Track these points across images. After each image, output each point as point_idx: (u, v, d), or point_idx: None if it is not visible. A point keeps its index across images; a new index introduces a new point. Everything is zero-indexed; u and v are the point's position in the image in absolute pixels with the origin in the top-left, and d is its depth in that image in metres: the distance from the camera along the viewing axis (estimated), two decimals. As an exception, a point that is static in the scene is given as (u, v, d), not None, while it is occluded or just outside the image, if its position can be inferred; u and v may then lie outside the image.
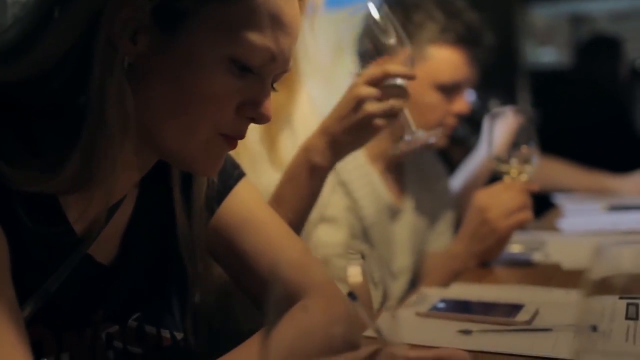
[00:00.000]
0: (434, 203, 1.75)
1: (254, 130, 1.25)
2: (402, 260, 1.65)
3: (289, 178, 1.11)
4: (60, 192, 0.74)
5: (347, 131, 1.06)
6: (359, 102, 1.04)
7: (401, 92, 1.06)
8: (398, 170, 1.69)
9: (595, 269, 0.57)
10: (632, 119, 3.41)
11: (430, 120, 1.58)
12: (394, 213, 1.63)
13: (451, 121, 1.62)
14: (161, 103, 0.74)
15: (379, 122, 1.04)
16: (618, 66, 3.44)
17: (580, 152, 2.49)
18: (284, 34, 0.75)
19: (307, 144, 1.10)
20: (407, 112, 1.08)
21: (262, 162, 1.24)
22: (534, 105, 3.57)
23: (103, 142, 0.71)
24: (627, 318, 0.77)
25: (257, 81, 0.76)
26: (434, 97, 1.57)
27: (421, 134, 1.10)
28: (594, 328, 0.60)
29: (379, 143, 1.62)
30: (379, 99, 1.04)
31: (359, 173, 1.57)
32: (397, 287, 1.61)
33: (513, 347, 0.92)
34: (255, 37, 0.73)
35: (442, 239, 1.74)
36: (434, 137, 1.11)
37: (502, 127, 1.47)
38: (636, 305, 0.80)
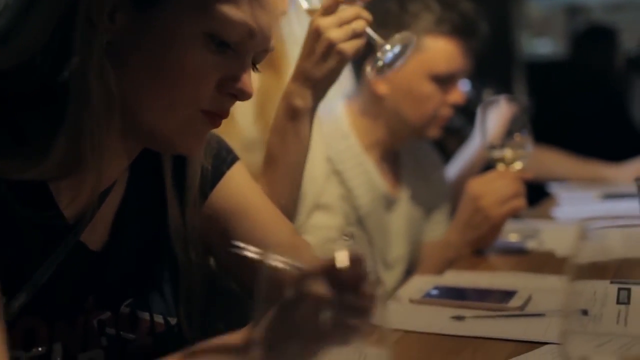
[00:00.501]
0: (430, 193, 1.75)
1: (247, 113, 1.27)
2: (398, 250, 1.65)
3: (275, 129, 1.10)
4: (48, 179, 0.74)
5: (317, 65, 1.06)
6: (319, 33, 1.04)
7: (360, 13, 1.05)
8: (393, 159, 1.69)
9: (581, 253, 0.57)
10: (627, 109, 3.42)
11: (426, 111, 1.58)
12: (389, 203, 1.63)
13: (446, 112, 1.62)
14: (141, 81, 0.74)
15: (343, 46, 1.04)
16: (613, 56, 3.44)
17: (575, 141, 2.49)
18: (261, 9, 0.76)
19: (284, 91, 1.10)
20: (370, 31, 1.07)
21: (257, 145, 1.24)
22: (530, 96, 3.57)
23: (88, 123, 0.71)
24: (618, 302, 0.77)
25: (235, 58, 0.77)
26: (429, 88, 1.57)
27: (390, 54, 1.09)
28: (585, 312, 0.60)
29: (374, 133, 1.63)
30: (340, 26, 1.04)
31: (354, 162, 1.57)
32: (393, 276, 1.61)
33: (506, 333, 0.93)
34: (231, 11, 0.74)
35: (438, 229, 1.74)
36: (404, 53, 1.10)
37: (495, 115, 1.47)
38: (628, 289, 0.80)
